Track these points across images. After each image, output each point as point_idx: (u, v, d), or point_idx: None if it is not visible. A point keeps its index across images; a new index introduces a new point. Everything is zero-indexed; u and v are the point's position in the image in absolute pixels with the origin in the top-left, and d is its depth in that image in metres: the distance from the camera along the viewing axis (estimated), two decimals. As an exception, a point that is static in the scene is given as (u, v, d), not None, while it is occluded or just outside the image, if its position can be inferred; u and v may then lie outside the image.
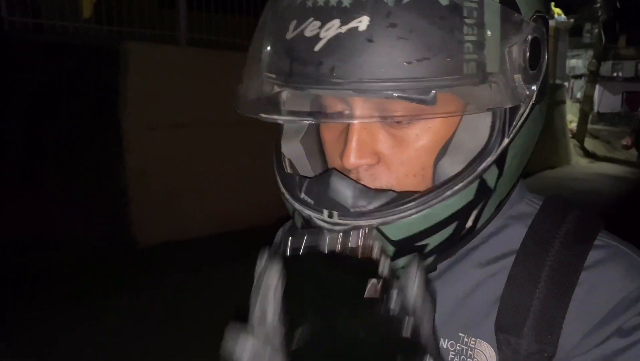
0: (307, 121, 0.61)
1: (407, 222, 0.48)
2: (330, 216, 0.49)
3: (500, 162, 0.50)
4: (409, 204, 0.48)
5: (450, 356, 0.54)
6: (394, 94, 0.44)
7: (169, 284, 3.83)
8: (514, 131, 0.50)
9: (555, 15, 11.31)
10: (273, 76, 0.49)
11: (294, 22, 0.45)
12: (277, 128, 0.61)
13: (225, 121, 4.74)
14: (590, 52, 16.77)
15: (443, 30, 0.43)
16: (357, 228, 0.47)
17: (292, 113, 0.55)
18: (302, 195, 0.52)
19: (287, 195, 0.54)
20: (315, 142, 0.61)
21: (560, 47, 11.58)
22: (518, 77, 0.48)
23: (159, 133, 4.53)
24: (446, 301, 0.56)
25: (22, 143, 3.93)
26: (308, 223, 0.51)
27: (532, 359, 0.50)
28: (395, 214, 0.48)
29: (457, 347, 0.54)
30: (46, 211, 3.96)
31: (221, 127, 4.80)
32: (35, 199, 3.91)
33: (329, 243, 0.42)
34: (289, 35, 0.46)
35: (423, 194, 0.48)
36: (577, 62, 22.88)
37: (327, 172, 0.52)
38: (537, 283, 0.52)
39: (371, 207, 0.48)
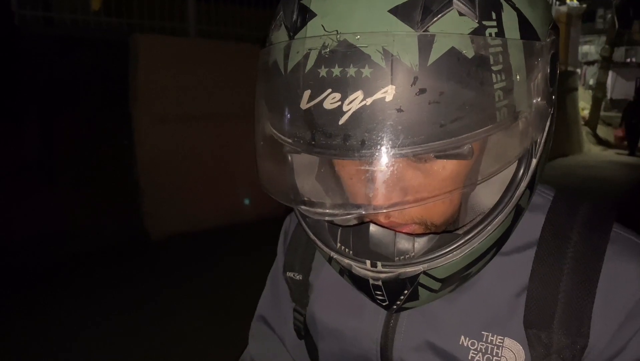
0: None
1: (454, 262, 0.48)
2: (374, 266, 0.48)
3: (531, 183, 0.50)
4: (454, 246, 0.47)
5: (472, 355, 0.54)
6: (431, 155, 0.44)
7: (181, 275, 3.87)
8: (539, 149, 0.49)
9: (568, 1, 11.14)
10: (290, 141, 0.46)
11: (307, 92, 0.42)
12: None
13: (234, 112, 4.76)
14: (603, 38, 16.53)
15: (473, 86, 0.41)
16: (403, 275, 0.47)
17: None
18: (338, 245, 0.52)
19: (319, 244, 0.53)
20: (330, 178, 0.58)
21: (572, 33, 11.43)
22: (543, 102, 0.47)
23: (169, 126, 4.54)
24: (465, 297, 0.56)
25: (36, 138, 3.96)
26: (348, 271, 0.51)
27: (564, 353, 0.51)
28: (441, 257, 0.48)
29: (480, 346, 0.54)
30: (61, 206, 4.01)
31: (231, 119, 4.81)
32: (50, 194, 3.96)
33: None
34: (304, 105, 0.43)
35: (466, 233, 0.48)
36: (590, 49, 22.55)
37: (364, 224, 0.51)
38: (561, 276, 0.52)
39: (415, 253, 0.48)
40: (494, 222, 0.48)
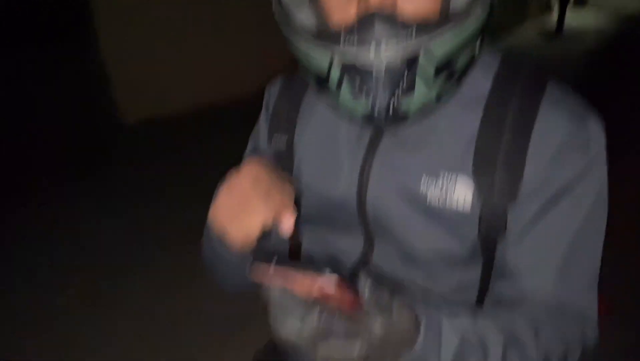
0: None
1: (447, 39, 0.56)
2: (378, 48, 0.55)
3: None
4: (447, 25, 0.56)
5: (431, 191, 0.66)
6: None
7: (157, 159, 3.96)
8: None
9: None
10: None
11: None
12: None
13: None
14: None
15: None
16: (405, 57, 0.55)
17: None
18: (343, 41, 0.57)
19: (322, 45, 0.58)
20: (317, 6, 0.65)
21: None
22: None
23: (134, 11, 4.34)
24: (426, 147, 0.67)
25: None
26: (352, 72, 0.57)
27: (504, 186, 0.63)
28: (440, 32, 0.55)
29: (438, 182, 0.65)
30: (25, 97, 3.93)
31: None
32: (13, 87, 3.86)
33: None
34: None
35: (458, 15, 0.57)
36: None
37: (369, 15, 0.56)
38: (504, 124, 0.63)
39: (415, 34, 0.55)
40: (474, 7, 0.57)
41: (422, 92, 0.59)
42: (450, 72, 0.59)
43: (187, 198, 3.35)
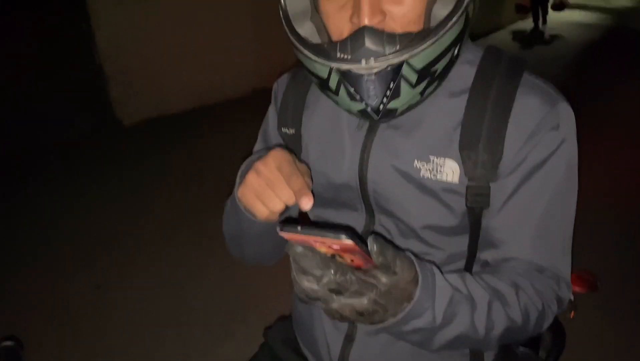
0: None
1: (427, 51, 0.65)
2: (368, 60, 0.64)
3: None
4: (427, 39, 0.65)
5: (422, 172, 0.75)
6: None
7: (156, 158, 4.02)
8: None
9: None
10: None
11: None
12: (284, 15, 0.74)
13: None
14: None
15: None
16: (391, 67, 0.64)
17: None
18: (339, 55, 0.67)
19: (321, 60, 0.68)
20: (318, 20, 0.75)
21: None
22: None
23: (127, 6, 4.38)
24: (417, 133, 0.76)
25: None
26: (346, 78, 0.67)
27: (486, 165, 0.72)
28: (420, 47, 0.65)
29: (428, 165, 0.74)
30: (25, 97, 3.97)
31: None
32: (12, 87, 3.90)
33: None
34: None
35: (435, 28, 0.65)
36: None
37: (359, 30, 0.65)
38: (485, 111, 0.72)
39: (399, 47, 0.65)
40: (453, 19, 0.65)
41: (407, 94, 0.69)
42: (432, 76, 0.68)
43: (184, 198, 3.43)
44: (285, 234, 0.53)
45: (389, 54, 0.64)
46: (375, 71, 0.65)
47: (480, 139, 0.72)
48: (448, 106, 0.75)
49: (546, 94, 0.73)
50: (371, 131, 0.79)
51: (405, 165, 0.76)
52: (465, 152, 0.72)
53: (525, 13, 8.00)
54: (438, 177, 0.74)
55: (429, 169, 0.75)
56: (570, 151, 0.73)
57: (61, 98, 4.12)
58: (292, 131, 0.88)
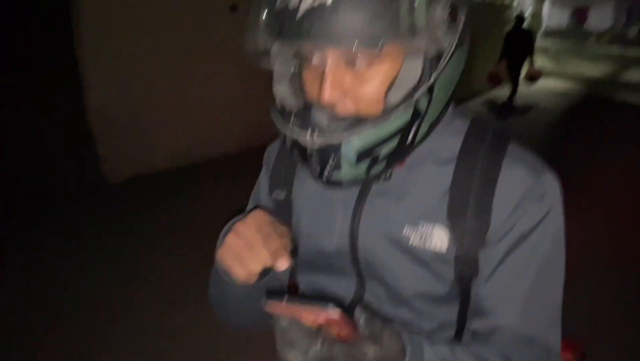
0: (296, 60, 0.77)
1: (365, 135, 0.68)
2: (312, 134, 0.67)
3: (429, 92, 0.70)
4: (367, 125, 0.68)
5: (412, 239, 0.76)
6: (355, 41, 0.63)
7: (141, 216, 3.99)
8: (439, 70, 0.69)
9: None
10: (267, 33, 0.68)
11: None
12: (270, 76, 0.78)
13: (184, 49, 4.71)
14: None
15: (385, 2, 0.62)
16: (330, 145, 0.67)
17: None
18: (291, 123, 0.71)
19: (278, 123, 0.73)
20: (298, 83, 0.78)
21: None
22: (440, 32, 0.67)
23: (118, 67, 4.47)
24: (406, 199, 0.77)
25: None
26: (297, 144, 0.70)
27: (474, 233, 0.73)
28: (358, 132, 0.67)
29: (418, 232, 0.76)
30: (13, 155, 3.96)
31: (180, 56, 4.79)
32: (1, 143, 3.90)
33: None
34: (277, 7, 0.65)
35: (376, 118, 0.68)
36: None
37: (309, 106, 0.71)
38: (472, 180, 0.74)
39: (340, 128, 0.68)
40: (396, 112, 0.67)
41: (347, 170, 0.71)
42: (374, 157, 0.70)
43: (171, 257, 3.37)
44: (271, 307, 0.54)
45: (330, 133, 0.68)
46: (316, 146, 0.68)
47: (468, 208, 0.74)
48: (436, 174, 0.77)
49: (531, 165, 0.75)
50: (362, 197, 0.80)
51: (395, 233, 0.77)
52: (454, 220, 0.74)
53: (498, 84, 7.92)
54: (426, 246, 0.75)
55: (418, 237, 0.76)
56: (556, 220, 0.75)
57: (50, 156, 4.12)
58: (283, 196, 0.90)
